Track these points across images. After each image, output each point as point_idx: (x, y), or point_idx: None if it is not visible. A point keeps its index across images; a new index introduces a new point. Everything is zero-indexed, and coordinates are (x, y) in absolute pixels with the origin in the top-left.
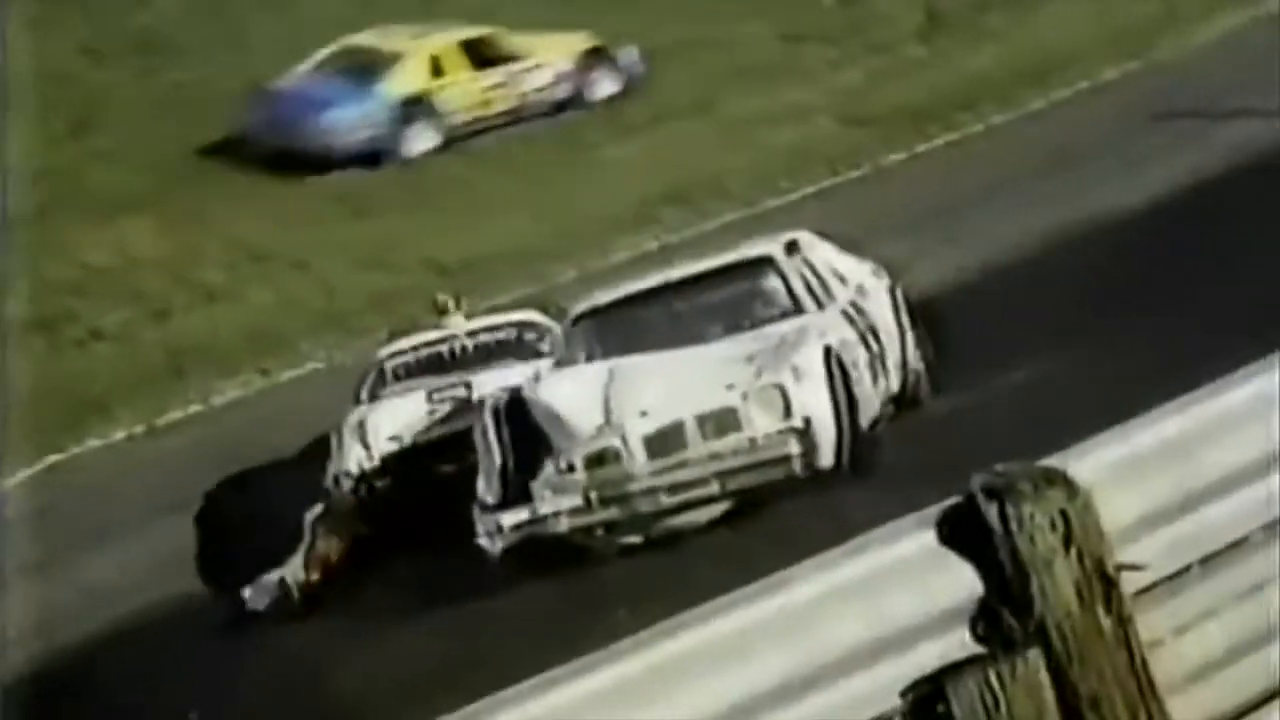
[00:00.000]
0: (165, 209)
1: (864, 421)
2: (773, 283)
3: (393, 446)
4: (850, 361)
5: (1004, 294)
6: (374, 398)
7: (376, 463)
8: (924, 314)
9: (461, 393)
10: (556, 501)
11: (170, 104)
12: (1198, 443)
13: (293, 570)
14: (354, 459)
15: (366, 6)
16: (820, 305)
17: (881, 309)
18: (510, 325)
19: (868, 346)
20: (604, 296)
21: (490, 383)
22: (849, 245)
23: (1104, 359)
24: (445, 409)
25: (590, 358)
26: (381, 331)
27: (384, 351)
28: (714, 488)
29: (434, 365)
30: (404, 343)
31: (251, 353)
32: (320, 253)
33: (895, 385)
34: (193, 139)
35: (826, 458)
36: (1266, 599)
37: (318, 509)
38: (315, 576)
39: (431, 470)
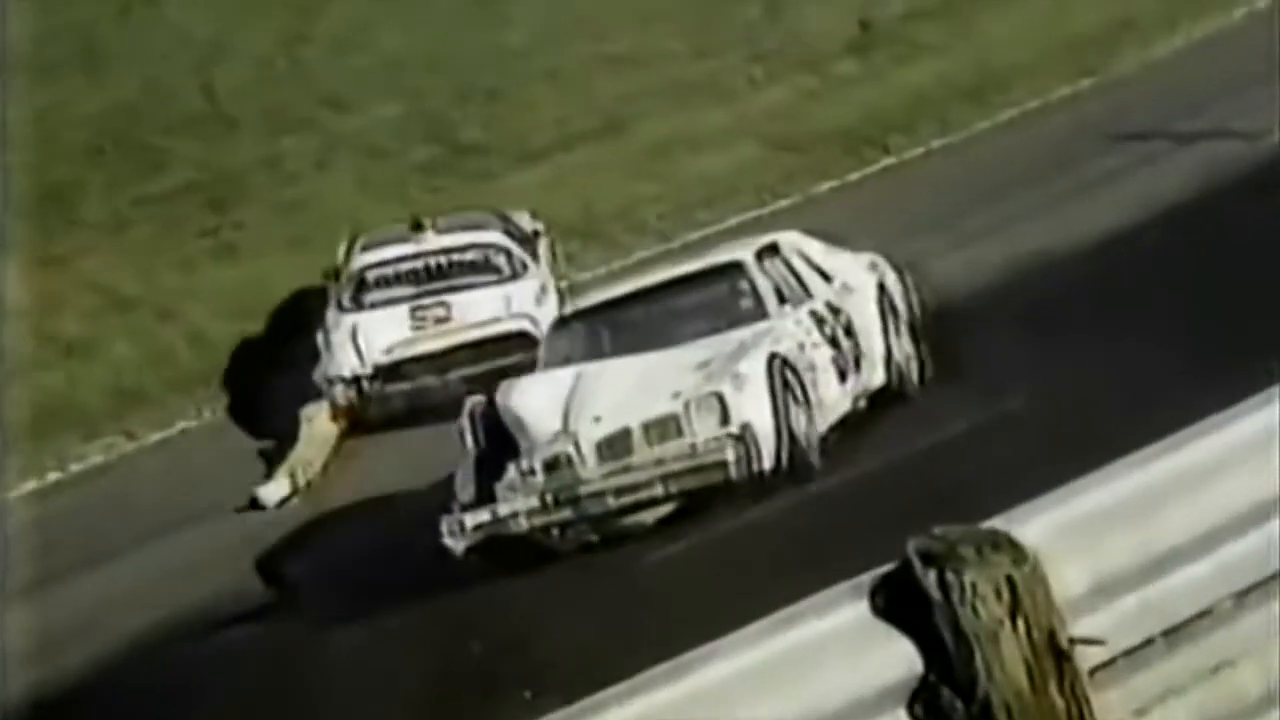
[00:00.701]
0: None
1: (825, 422)
2: (742, 287)
3: (384, 359)
4: (806, 364)
5: (948, 335)
6: (358, 305)
7: (369, 370)
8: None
9: (441, 313)
10: (515, 503)
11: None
12: (1159, 501)
13: (294, 459)
14: (348, 365)
15: None
16: (790, 307)
17: (865, 304)
18: (478, 246)
19: (836, 345)
20: (586, 301)
21: (468, 306)
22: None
23: (1052, 407)
24: (428, 328)
25: (569, 360)
26: None
27: (363, 259)
28: (658, 490)
29: (412, 278)
30: (382, 253)
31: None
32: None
33: (878, 380)
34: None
35: (767, 462)
36: (1238, 676)
37: (311, 406)
38: (315, 463)
39: (415, 379)
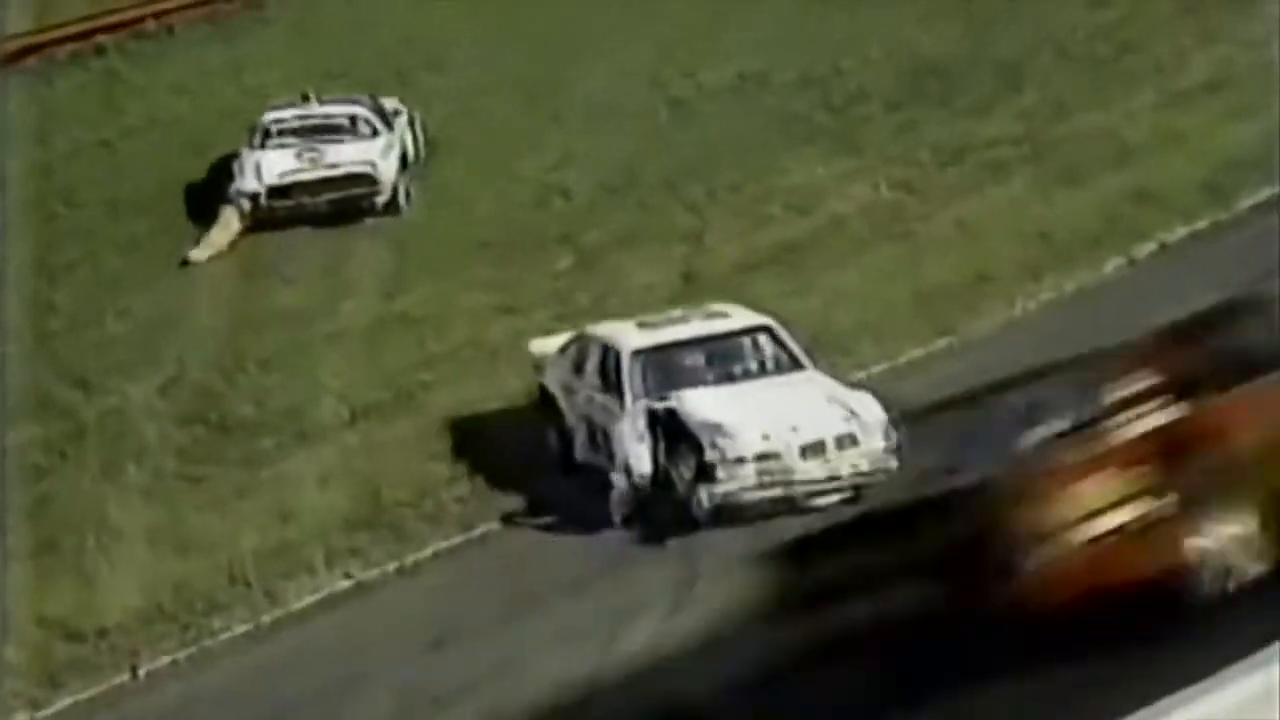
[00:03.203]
0: None
1: None
2: (765, 342)
3: (276, 182)
4: None
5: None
6: (262, 146)
7: (263, 189)
8: None
9: (315, 156)
10: (737, 481)
11: None
12: None
13: (211, 238)
14: (250, 184)
15: None
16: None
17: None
18: (346, 114)
19: None
20: (648, 340)
21: (334, 152)
22: None
23: None
24: (306, 164)
25: (661, 387)
26: None
27: (268, 116)
28: (846, 484)
29: (300, 132)
30: (280, 113)
31: None
32: None
33: None
34: None
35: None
36: None
37: (227, 208)
38: (223, 244)
39: (294, 197)
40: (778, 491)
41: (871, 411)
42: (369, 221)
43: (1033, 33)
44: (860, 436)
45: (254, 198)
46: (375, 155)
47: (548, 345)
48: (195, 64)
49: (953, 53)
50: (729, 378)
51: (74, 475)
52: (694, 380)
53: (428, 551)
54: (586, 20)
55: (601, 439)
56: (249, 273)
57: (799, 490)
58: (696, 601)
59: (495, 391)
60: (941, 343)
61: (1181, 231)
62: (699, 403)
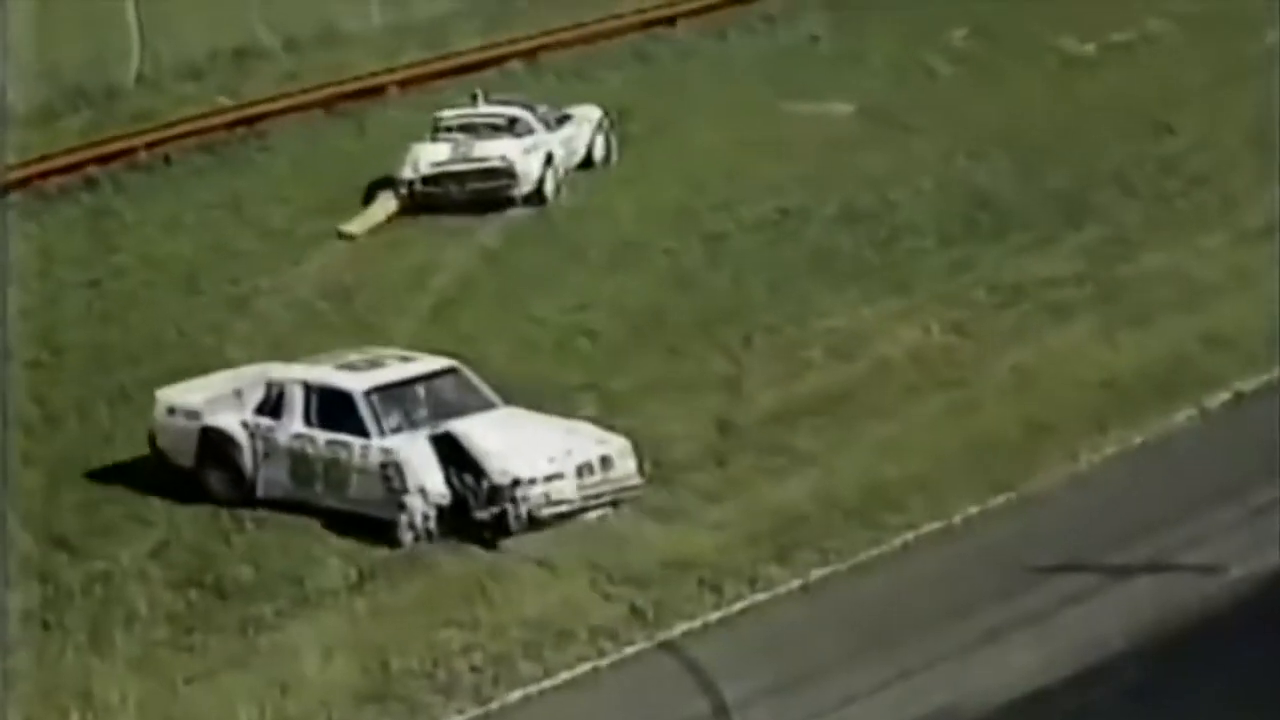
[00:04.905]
0: None
1: None
2: (462, 381)
3: (427, 170)
4: None
5: None
6: (432, 139)
7: (417, 176)
8: None
9: (465, 150)
10: (532, 500)
11: None
12: None
13: (367, 215)
14: (407, 171)
15: None
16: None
17: None
18: (505, 116)
19: None
20: (372, 381)
21: (482, 146)
22: None
23: None
24: (456, 156)
25: (398, 421)
26: None
27: (441, 114)
28: (608, 497)
29: (462, 128)
30: (452, 110)
31: None
32: None
33: None
34: None
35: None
36: None
37: (385, 190)
38: (379, 219)
39: (445, 185)
40: (565, 507)
41: (610, 441)
42: (510, 212)
43: (1093, 164)
44: (615, 459)
45: (409, 184)
46: (516, 151)
47: (184, 391)
48: (193, 197)
49: (1008, 184)
50: (453, 413)
51: (57, 646)
52: (424, 417)
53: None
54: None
55: (324, 472)
56: None
57: (578, 504)
58: None
59: (509, 546)
60: (999, 500)
61: (1257, 380)
62: (473, 431)
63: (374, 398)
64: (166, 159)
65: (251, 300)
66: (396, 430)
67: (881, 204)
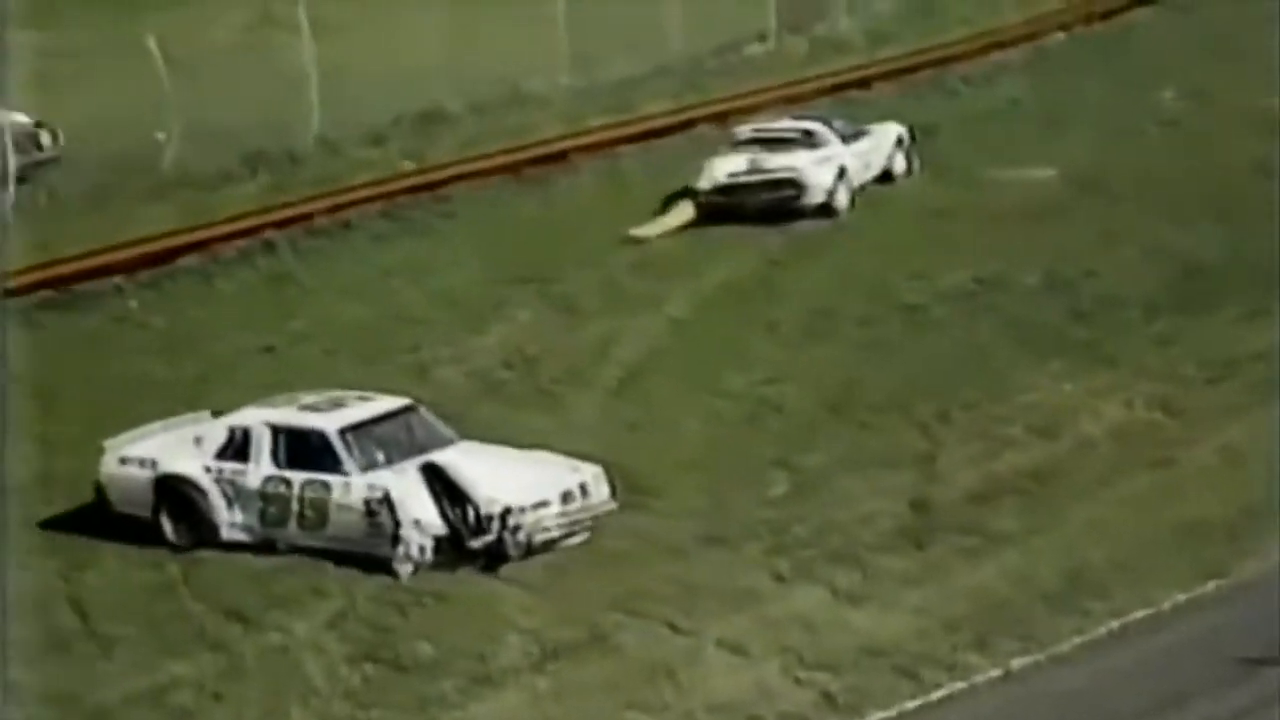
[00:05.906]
0: None
1: None
2: (423, 418)
3: (722, 180)
4: None
5: None
6: (729, 153)
7: (712, 186)
8: None
9: (760, 161)
10: (526, 528)
11: None
12: None
13: (663, 222)
14: (704, 182)
15: None
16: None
17: None
18: (797, 130)
19: None
20: (344, 420)
21: (774, 159)
22: None
23: None
24: (750, 168)
25: (379, 458)
26: None
27: (739, 130)
28: (588, 523)
29: (759, 142)
30: (749, 128)
31: None
32: None
33: None
34: None
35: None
36: None
37: (683, 200)
38: (673, 226)
39: (735, 195)
40: (556, 533)
41: (582, 468)
42: (801, 224)
43: None
44: (591, 486)
45: (705, 193)
46: (804, 163)
47: (133, 440)
48: (372, 262)
49: (1217, 253)
50: (422, 448)
51: None
52: (398, 452)
53: None
54: None
55: (299, 512)
56: None
57: (565, 530)
58: None
59: (698, 635)
60: (1208, 586)
61: None
62: (458, 462)
63: (349, 436)
64: (346, 224)
65: (431, 369)
66: (371, 467)
67: (1084, 273)
